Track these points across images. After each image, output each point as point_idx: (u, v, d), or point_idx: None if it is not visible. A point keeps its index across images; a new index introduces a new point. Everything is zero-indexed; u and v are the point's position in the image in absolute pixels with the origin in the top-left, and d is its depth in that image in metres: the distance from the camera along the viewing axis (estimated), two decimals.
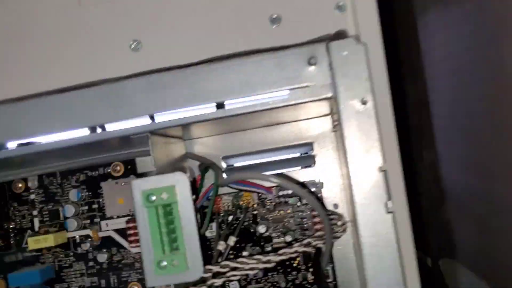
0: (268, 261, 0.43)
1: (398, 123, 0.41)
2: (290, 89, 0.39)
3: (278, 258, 0.43)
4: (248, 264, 0.42)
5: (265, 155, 0.55)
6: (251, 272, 0.43)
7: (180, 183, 0.37)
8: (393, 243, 0.37)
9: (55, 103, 0.41)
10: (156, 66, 0.43)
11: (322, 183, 0.53)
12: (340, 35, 0.39)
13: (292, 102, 0.40)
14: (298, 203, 0.52)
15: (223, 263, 0.43)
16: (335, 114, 0.45)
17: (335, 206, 0.53)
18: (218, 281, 0.42)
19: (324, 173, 0.53)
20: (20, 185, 0.56)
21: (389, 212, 0.36)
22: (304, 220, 0.52)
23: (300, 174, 0.54)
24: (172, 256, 0.37)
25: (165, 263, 0.37)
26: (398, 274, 0.37)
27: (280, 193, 0.52)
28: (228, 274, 0.42)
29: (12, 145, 0.44)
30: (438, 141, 0.65)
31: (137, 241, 0.51)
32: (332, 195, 0.53)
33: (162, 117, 0.42)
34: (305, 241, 0.45)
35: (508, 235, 0.47)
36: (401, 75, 0.76)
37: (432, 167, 0.66)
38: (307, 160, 0.54)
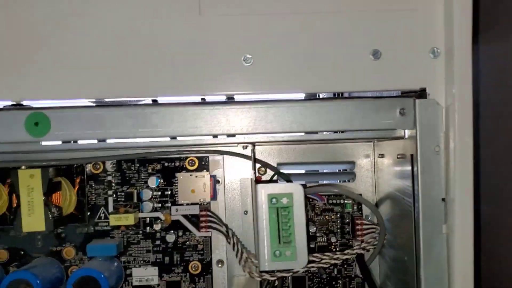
0: (337, 258, 0.54)
1: None
2: (382, 129, 0.51)
3: (344, 257, 0.55)
4: (322, 259, 0.54)
5: (313, 166, 0.67)
6: (324, 266, 0.54)
7: (297, 191, 0.47)
8: (445, 261, 0.49)
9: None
10: (264, 84, 0.50)
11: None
12: (423, 93, 0.51)
13: (377, 136, 0.53)
14: (341, 211, 0.64)
15: None
16: (379, 145, 0.57)
17: (367, 216, 0.66)
18: (301, 270, 0.53)
19: (361, 189, 0.66)
20: (98, 166, 0.63)
21: (443, 233, 0.50)
22: (345, 225, 0.64)
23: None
24: (285, 248, 0.47)
25: (278, 252, 0.47)
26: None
27: (329, 201, 0.64)
28: (308, 265, 0.53)
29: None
30: None
31: (207, 227, 0.61)
32: (365, 208, 0.66)
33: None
34: (362, 245, 0.57)
35: None
36: None
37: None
38: (348, 176, 0.66)
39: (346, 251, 0.56)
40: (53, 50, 0.49)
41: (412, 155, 0.51)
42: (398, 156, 0.55)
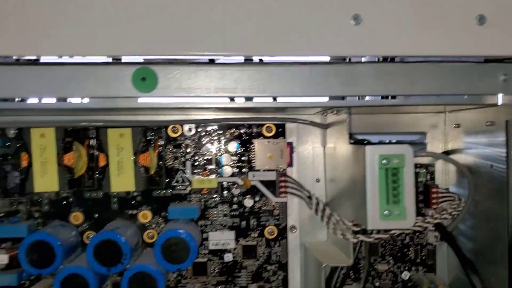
0: (428, 222, 0.55)
1: None
2: (483, 94, 0.52)
3: (434, 221, 0.56)
4: (416, 222, 0.54)
5: (384, 136, 0.67)
6: (418, 229, 0.55)
7: (408, 153, 0.48)
8: None
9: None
10: (375, 46, 0.50)
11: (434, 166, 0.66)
12: None
13: (468, 103, 0.54)
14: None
15: None
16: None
17: (437, 185, 0.67)
18: (385, 236, 0.54)
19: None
20: (176, 129, 0.62)
21: None
22: (418, 194, 0.65)
23: None
24: (394, 207, 0.48)
25: (387, 212, 0.48)
26: None
27: None
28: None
29: None
30: None
31: (285, 192, 0.61)
32: (437, 177, 0.67)
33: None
34: (449, 210, 0.58)
35: None
36: None
37: None
38: (419, 146, 0.67)
39: (435, 216, 0.57)
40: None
41: (507, 121, 0.52)
42: (487, 124, 0.56)
